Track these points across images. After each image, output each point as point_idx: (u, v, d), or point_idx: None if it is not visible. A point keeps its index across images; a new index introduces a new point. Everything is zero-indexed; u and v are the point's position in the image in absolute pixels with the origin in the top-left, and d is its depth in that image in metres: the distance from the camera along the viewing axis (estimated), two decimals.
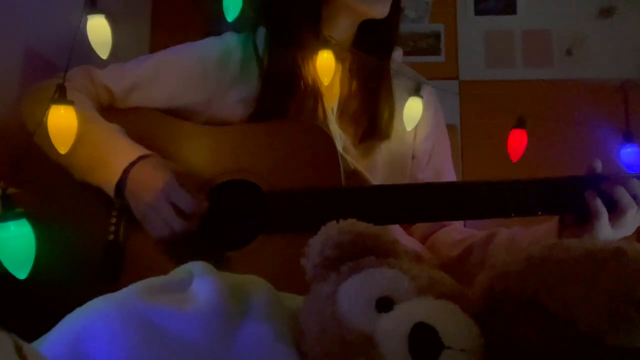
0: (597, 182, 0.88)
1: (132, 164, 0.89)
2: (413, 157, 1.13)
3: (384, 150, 1.07)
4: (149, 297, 0.57)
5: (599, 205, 0.85)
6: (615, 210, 0.85)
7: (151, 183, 0.87)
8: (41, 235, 0.71)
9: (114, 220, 0.95)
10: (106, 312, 0.55)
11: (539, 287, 0.48)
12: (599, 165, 0.89)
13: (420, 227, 1.14)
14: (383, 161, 1.07)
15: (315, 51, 1.00)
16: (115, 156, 0.91)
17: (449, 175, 1.18)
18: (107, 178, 0.90)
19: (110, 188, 0.90)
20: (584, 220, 0.87)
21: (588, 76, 2.19)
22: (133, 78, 1.04)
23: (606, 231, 0.86)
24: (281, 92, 1.02)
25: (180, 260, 0.77)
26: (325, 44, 0.96)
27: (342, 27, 1.06)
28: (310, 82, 1.02)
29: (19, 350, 0.42)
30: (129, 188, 0.89)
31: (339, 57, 1.01)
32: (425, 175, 1.13)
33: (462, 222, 1.16)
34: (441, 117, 1.18)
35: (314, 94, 1.02)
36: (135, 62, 1.07)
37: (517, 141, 0.99)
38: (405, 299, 0.52)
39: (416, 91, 1.02)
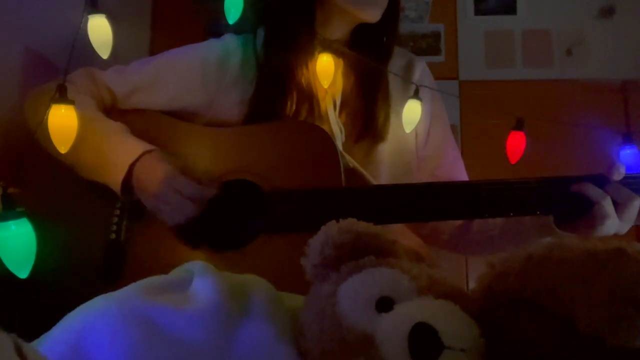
0: (597, 182, 0.88)
1: (136, 160, 0.91)
2: (416, 136, 1.12)
3: (388, 145, 1.07)
4: (150, 296, 0.57)
5: (607, 205, 0.86)
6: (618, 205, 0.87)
7: (153, 175, 0.89)
8: (43, 234, 0.71)
9: (115, 219, 0.95)
10: (107, 311, 0.55)
11: (539, 287, 0.48)
12: (622, 169, 0.89)
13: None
14: (388, 154, 1.07)
15: (311, 52, 1.00)
16: (119, 154, 0.92)
17: (451, 146, 1.17)
18: (113, 176, 0.91)
19: (116, 186, 0.91)
20: (581, 217, 0.88)
21: (588, 76, 2.19)
22: (135, 81, 1.04)
23: (612, 228, 0.87)
24: (274, 93, 1.02)
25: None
26: (324, 44, 0.96)
27: (336, 29, 1.06)
28: (304, 84, 1.02)
29: (19, 350, 0.42)
30: (136, 184, 0.91)
31: (338, 53, 1.01)
32: (427, 151, 1.13)
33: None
34: (436, 92, 1.16)
35: (309, 95, 1.03)
36: (137, 65, 1.07)
37: (516, 143, 0.99)
38: (405, 299, 0.52)
39: (415, 93, 1.02)
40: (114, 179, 0.91)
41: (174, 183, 0.88)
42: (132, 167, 0.91)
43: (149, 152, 0.92)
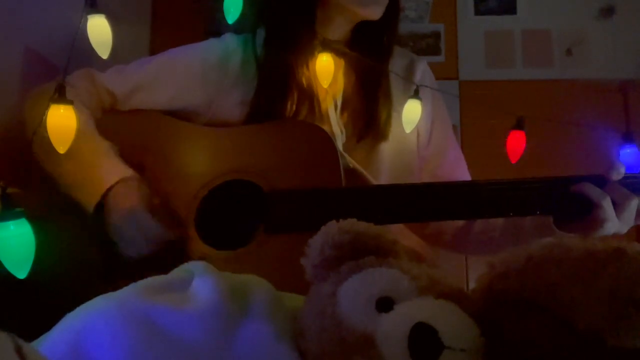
0: (597, 182, 0.88)
1: (111, 187, 0.91)
2: (418, 136, 1.12)
3: (389, 145, 1.07)
4: (149, 297, 0.57)
5: (607, 205, 0.86)
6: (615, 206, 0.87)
7: (121, 204, 0.90)
8: (43, 234, 0.71)
9: None
10: (107, 311, 0.55)
11: (539, 287, 0.48)
12: (621, 169, 0.89)
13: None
14: (389, 154, 1.07)
15: (311, 52, 1.00)
16: (97, 179, 0.92)
17: (452, 146, 1.17)
18: (88, 199, 0.92)
19: (89, 208, 0.91)
20: (581, 217, 0.88)
21: (588, 76, 2.19)
22: (134, 81, 1.04)
23: (612, 228, 0.87)
24: (275, 93, 1.02)
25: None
26: (325, 44, 0.96)
27: (337, 29, 1.06)
28: (304, 84, 1.02)
29: (18, 350, 0.42)
30: (105, 209, 0.91)
31: (339, 53, 1.01)
32: (429, 151, 1.13)
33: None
34: (437, 92, 1.16)
35: (309, 95, 1.02)
36: (137, 65, 1.07)
37: (516, 142, 0.99)
38: (405, 299, 0.52)
39: (415, 93, 1.02)
40: (88, 201, 0.91)
41: (135, 218, 0.89)
42: (106, 192, 0.91)
43: (125, 180, 0.92)
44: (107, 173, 0.93)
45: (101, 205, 0.91)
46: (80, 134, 0.95)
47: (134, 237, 0.89)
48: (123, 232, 0.89)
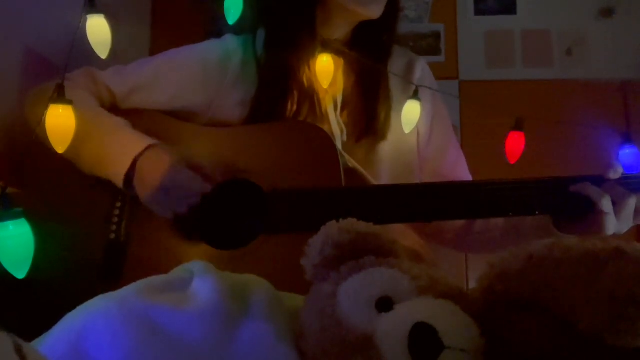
0: (594, 182, 0.88)
1: (141, 153, 0.91)
2: (418, 135, 1.12)
3: (389, 144, 1.07)
4: (150, 296, 0.57)
5: (607, 204, 0.86)
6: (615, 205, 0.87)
7: (158, 166, 0.89)
8: (42, 234, 0.71)
9: (115, 219, 0.95)
10: (107, 310, 0.55)
11: (539, 287, 0.48)
12: (619, 169, 0.89)
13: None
14: (389, 154, 1.07)
15: (312, 52, 1.00)
16: (123, 148, 0.92)
17: (453, 145, 1.17)
18: (116, 170, 0.91)
19: (119, 179, 0.91)
20: (580, 217, 0.88)
21: (588, 76, 2.19)
22: (134, 80, 1.04)
23: (612, 227, 0.87)
24: (276, 93, 1.02)
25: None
26: (325, 44, 0.96)
27: (337, 29, 1.06)
28: (305, 84, 1.02)
29: (18, 350, 0.42)
30: (137, 176, 0.91)
31: (339, 53, 1.01)
32: (430, 150, 1.13)
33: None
34: (437, 93, 1.17)
35: (310, 95, 1.03)
36: (137, 65, 1.07)
37: (515, 143, 0.99)
38: (405, 299, 0.52)
39: (414, 94, 1.02)
40: (117, 171, 0.91)
41: (177, 174, 0.88)
42: (136, 159, 0.91)
43: (153, 145, 0.92)
44: (132, 142, 0.93)
45: (130, 177, 0.91)
46: (95, 112, 0.97)
47: (176, 194, 0.89)
48: (167, 191, 0.89)
